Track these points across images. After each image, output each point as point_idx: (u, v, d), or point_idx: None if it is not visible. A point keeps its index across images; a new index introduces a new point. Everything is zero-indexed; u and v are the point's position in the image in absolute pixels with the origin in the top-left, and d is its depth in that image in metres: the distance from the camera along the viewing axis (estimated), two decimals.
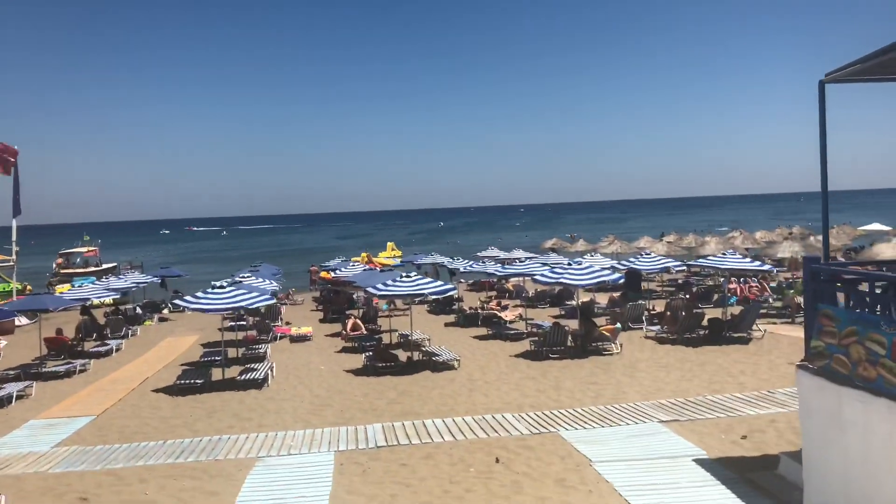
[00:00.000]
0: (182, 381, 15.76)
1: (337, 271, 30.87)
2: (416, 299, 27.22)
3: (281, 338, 22.97)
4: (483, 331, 22.33)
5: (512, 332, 21.15)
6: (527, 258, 30.93)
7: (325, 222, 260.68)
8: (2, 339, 23.39)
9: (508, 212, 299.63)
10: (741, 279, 28.04)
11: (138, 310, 29.89)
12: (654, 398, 12.94)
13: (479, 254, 39.12)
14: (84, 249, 54.27)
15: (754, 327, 18.90)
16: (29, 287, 40.04)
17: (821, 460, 6.98)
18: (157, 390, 15.91)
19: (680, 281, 33.06)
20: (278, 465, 10.20)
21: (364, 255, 49.38)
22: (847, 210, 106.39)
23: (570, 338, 18.08)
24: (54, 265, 51.75)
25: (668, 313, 20.93)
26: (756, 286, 26.94)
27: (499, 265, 29.21)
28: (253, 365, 17.41)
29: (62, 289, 35.36)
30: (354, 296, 29.44)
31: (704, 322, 19.18)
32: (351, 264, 34.49)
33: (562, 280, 19.46)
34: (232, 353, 19.32)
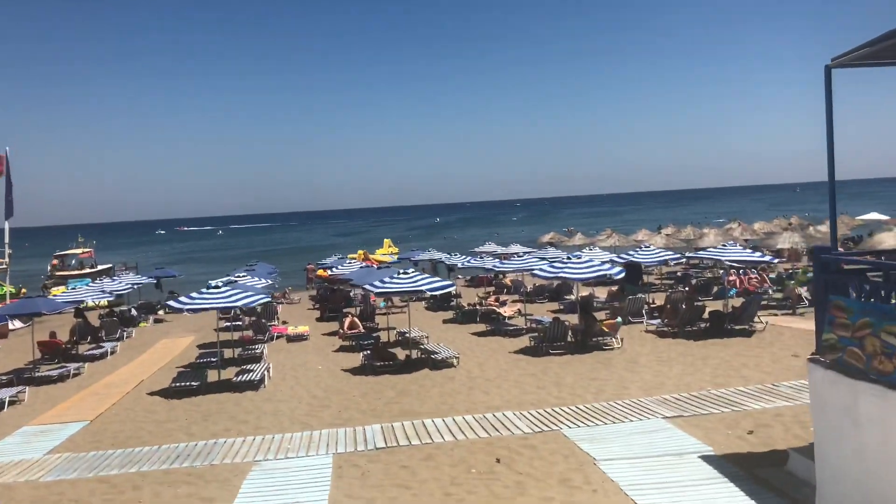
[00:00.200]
0: (177, 384, 15.52)
1: (333, 269, 30.66)
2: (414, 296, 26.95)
3: (278, 337, 22.72)
4: (482, 327, 22.10)
5: (511, 328, 20.93)
6: (525, 253, 30.78)
7: (320, 220, 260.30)
8: None
9: (505, 207, 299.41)
10: (740, 271, 27.86)
11: (133, 311, 29.62)
12: (656, 393, 12.72)
13: (476, 249, 38.94)
14: (79, 251, 53.80)
15: (756, 319, 18.70)
16: (24, 290, 39.72)
17: (834, 456, 6.76)
18: (152, 393, 15.66)
19: (679, 273, 32.90)
20: (275, 469, 9.96)
21: (360, 252, 49.20)
22: (842, 199, 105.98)
23: (570, 333, 17.86)
24: (49, 267, 51.39)
25: (669, 306, 20.71)
26: (756, 278, 26.73)
27: (496, 260, 29.02)
28: (249, 366, 17.22)
29: (57, 291, 35.10)
30: (351, 293, 29.23)
31: (705, 315, 18.98)
32: (347, 262, 34.28)
33: (562, 274, 19.23)
34: (228, 353, 19.07)
